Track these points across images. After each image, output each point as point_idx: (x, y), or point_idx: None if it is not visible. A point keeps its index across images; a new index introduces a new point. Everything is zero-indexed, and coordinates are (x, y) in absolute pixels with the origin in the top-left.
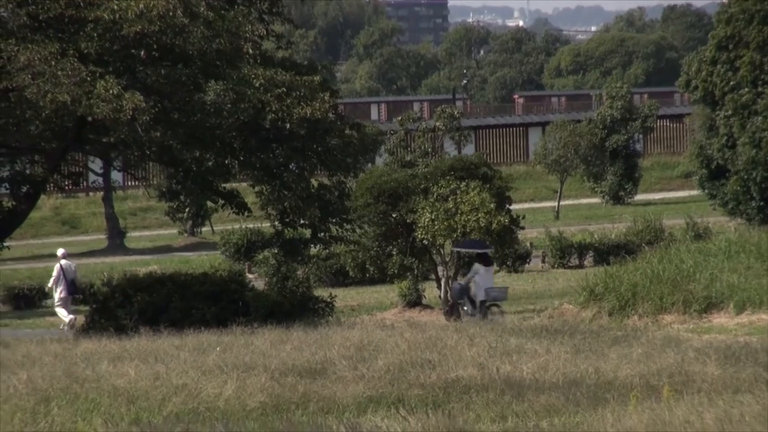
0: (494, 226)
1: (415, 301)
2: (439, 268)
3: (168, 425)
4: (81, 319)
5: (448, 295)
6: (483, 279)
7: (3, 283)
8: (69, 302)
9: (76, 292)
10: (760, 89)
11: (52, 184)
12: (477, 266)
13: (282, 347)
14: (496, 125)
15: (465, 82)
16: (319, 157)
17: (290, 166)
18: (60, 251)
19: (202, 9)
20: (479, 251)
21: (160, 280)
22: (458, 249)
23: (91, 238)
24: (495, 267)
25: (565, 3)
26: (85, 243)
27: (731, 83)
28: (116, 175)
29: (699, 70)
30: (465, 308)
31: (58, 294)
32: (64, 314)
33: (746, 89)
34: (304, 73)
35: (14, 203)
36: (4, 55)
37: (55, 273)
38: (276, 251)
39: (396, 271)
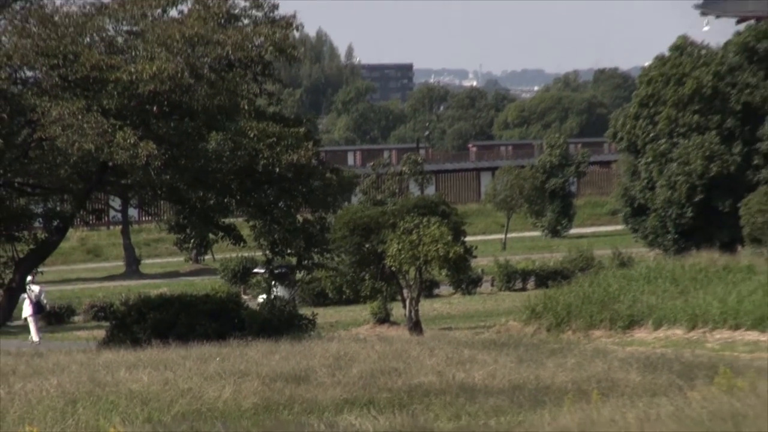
0: (451, 255)
1: (384, 319)
2: (405, 291)
3: (175, 423)
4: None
5: (412, 312)
6: (281, 294)
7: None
8: (36, 321)
9: (41, 311)
10: (675, 140)
11: (78, 219)
12: (275, 284)
13: (272, 357)
14: (453, 170)
15: (427, 133)
16: (303, 196)
17: (279, 204)
18: (28, 277)
19: (205, 71)
20: (278, 271)
21: (170, 300)
22: (256, 271)
23: (111, 264)
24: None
25: (512, 66)
26: (106, 269)
27: (651, 135)
28: (133, 212)
29: (624, 123)
30: None
31: (25, 312)
32: (33, 330)
33: (663, 140)
34: (291, 125)
35: (47, 235)
36: (39, 110)
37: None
38: (267, 276)
39: (368, 293)
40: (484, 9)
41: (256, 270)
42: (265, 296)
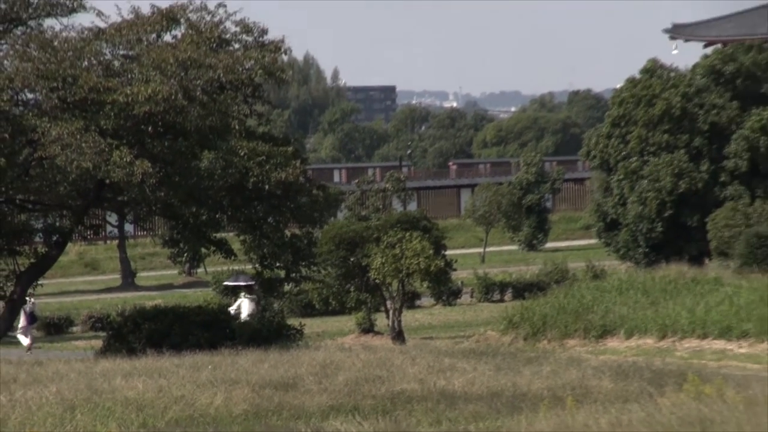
0: (432, 268)
1: (368, 329)
2: (388, 302)
3: (169, 429)
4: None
5: (395, 322)
6: (246, 307)
7: (37, 314)
8: (29, 330)
9: (34, 321)
10: (645, 158)
11: (77, 234)
12: (242, 296)
13: (261, 366)
14: (434, 187)
15: (409, 152)
16: (291, 212)
17: (268, 220)
18: None
19: (198, 93)
20: (243, 284)
21: (164, 311)
22: (228, 283)
23: (108, 277)
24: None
25: (491, 88)
26: (104, 282)
27: (623, 153)
28: (128, 227)
29: (597, 142)
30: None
31: (20, 324)
32: (24, 340)
33: (635, 158)
34: (280, 144)
35: (46, 249)
36: (40, 130)
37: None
38: (256, 288)
39: (353, 304)
40: (463, 33)
41: (226, 283)
42: (234, 307)
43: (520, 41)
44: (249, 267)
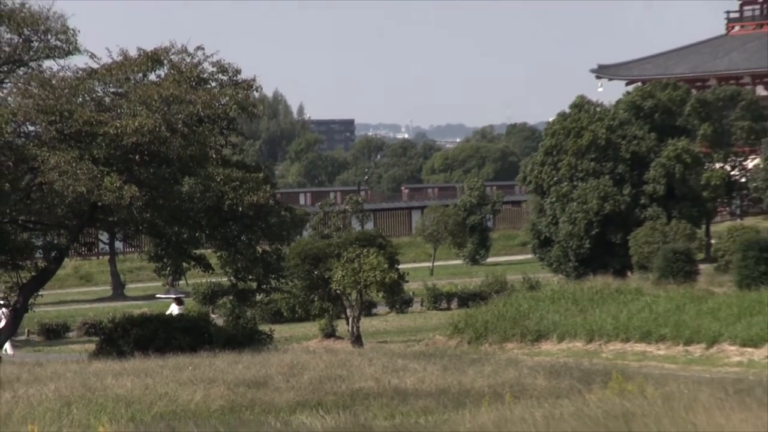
0: (387, 280)
1: (330, 334)
2: (348, 310)
3: (154, 422)
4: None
5: (354, 328)
6: (176, 312)
7: (38, 320)
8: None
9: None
10: (575, 183)
11: (72, 250)
12: (173, 306)
13: (236, 366)
14: (388, 208)
15: (366, 177)
16: (262, 231)
17: (242, 238)
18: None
19: (179, 126)
20: (176, 297)
21: (150, 318)
22: (160, 296)
23: (100, 288)
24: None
25: (438, 121)
26: (96, 292)
27: (555, 179)
28: (118, 244)
29: (532, 169)
30: None
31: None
32: (7, 346)
33: (565, 183)
34: (252, 171)
35: (46, 264)
36: (39, 159)
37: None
38: (231, 298)
39: (317, 312)
40: (414, 72)
41: (158, 296)
42: (167, 312)
43: (463, 79)
44: (225, 279)
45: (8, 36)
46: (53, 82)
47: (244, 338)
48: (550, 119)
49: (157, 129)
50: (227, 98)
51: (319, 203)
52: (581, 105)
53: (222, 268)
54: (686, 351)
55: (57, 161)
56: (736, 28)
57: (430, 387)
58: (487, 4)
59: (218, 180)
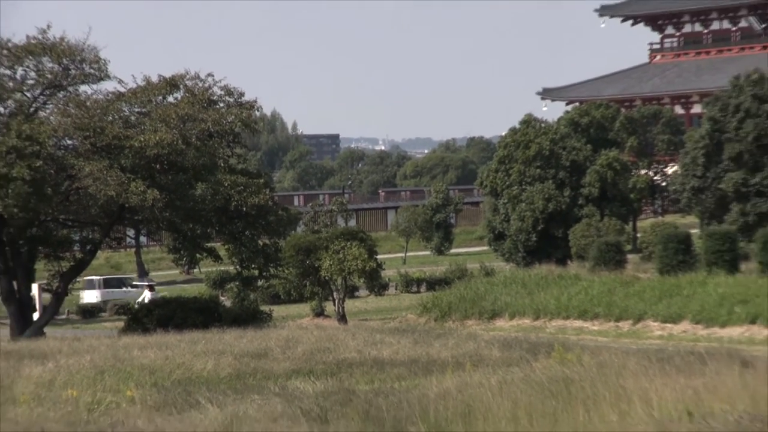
0: (367, 268)
1: (320, 313)
2: (334, 293)
3: (173, 387)
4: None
5: (339, 308)
6: (148, 297)
7: (76, 303)
8: None
9: None
10: (523, 187)
11: (104, 244)
12: (146, 292)
13: (241, 340)
14: (368, 208)
15: (349, 182)
16: (263, 227)
17: (246, 233)
18: None
19: (193, 140)
20: (149, 284)
21: (169, 301)
22: (137, 283)
23: (127, 276)
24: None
25: (409, 134)
26: (146, 279)
27: (507, 183)
28: (143, 238)
29: (488, 175)
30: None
31: None
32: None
33: (515, 187)
34: (253, 177)
35: (82, 255)
36: (76, 168)
37: None
38: (237, 283)
39: (309, 295)
40: (389, 93)
41: (135, 282)
42: (140, 298)
43: (431, 98)
44: (232, 268)
45: (50, 65)
46: (88, 103)
47: (248, 317)
48: (503, 133)
49: (175, 143)
50: (233, 117)
51: (310, 204)
52: (529, 121)
53: (229, 258)
54: (616, 326)
55: (91, 169)
56: (658, 57)
57: (403, 357)
58: (447, 40)
59: (226, 185)
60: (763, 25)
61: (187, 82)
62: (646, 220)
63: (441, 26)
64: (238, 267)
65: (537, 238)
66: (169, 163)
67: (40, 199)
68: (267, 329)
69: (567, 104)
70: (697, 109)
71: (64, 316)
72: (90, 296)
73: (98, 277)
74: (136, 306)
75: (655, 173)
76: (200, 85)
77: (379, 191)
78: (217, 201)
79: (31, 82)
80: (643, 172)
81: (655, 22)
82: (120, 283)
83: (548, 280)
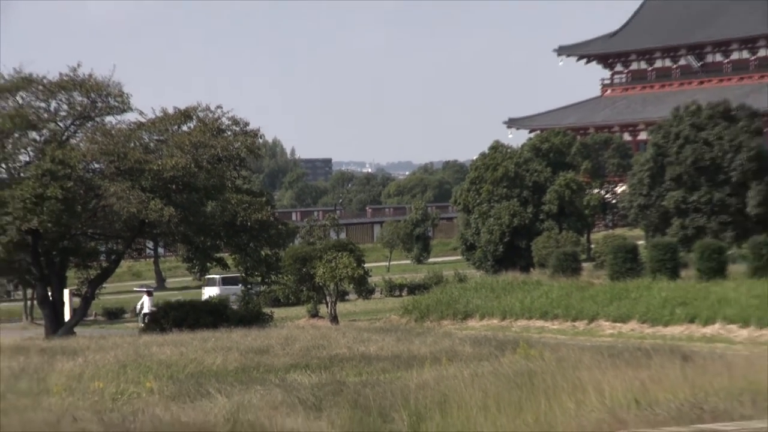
0: (356, 275)
1: (314, 314)
2: (327, 297)
3: (187, 379)
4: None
5: (332, 310)
6: (147, 304)
7: (102, 305)
8: None
9: None
10: (492, 204)
11: (127, 254)
12: (144, 297)
13: (245, 339)
14: (357, 223)
15: (340, 201)
16: (265, 239)
17: (250, 245)
18: None
19: (204, 164)
20: (146, 290)
21: (183, 304)
22: (136, 289)
23: (147, 282)
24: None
25: (392, 158)
26: (145, 285)
27: (478, 201)
28: (160, 250)
29: (461, 194)
30: (142, 317)
31: None
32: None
33: (485, 204)
34: (257, 196)
35: (107, 264)
36: (102, 188)
37: None
38: (242, 288)
39: (305, 299)
40: (376, 123)
41: (135, 288)
42: (139, 304)
43: (411, 127)
44: (238, 275)
45: (80, 99)
46: (112, 132)
47: (252, 318)
48: (474, 157)
49: (188, 166)
50: (239, 143)
51: (306, 219)
52: (497, 147)
53: (236, 266)
54: (573, 326)
55: (115, 190)
56: (609, 91)
57: (387, 353)
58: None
59: (233, 203)
60: (700, 64)
61: (199, 113)
62: (598, 232)
63: (420, 64)
64: (243, 274)
65: (504, 248)
66: (183, 184)
67: (71, 216)
68: (268, 329)
69: (530, 132)
70: (642, 136)
71: (91, 318)
72: (211, 291)
73: (218, 276)
74: (137, 310)
75: (607, 192)
76: (210, 115)
77: (366, 208)
78: (225, 217)
79: (63, 113)
80: (596, 191)
81: (606, 60)
82: (235, 281)
83: (513, 286)
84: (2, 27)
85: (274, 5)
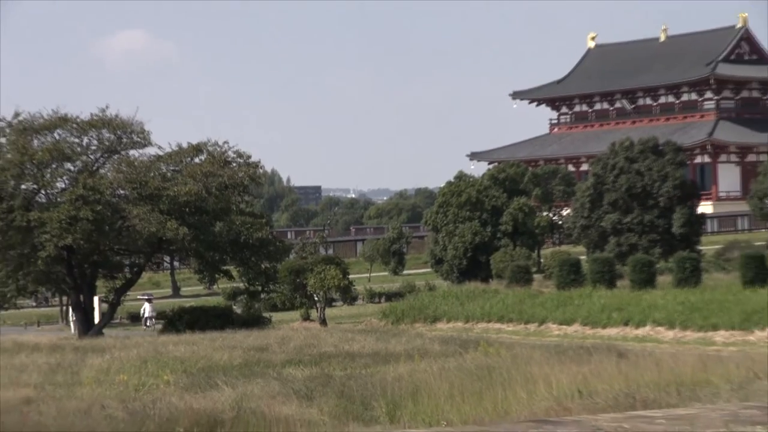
0: (341, 284)
1: (306, 318)
2: (317, 303)
3: (198, 373)
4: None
5: (321, 314)
6: (148, 309)
7: (126, 310)
8: None
9: None
10: (457, 225)
11: (147, 267)
12: (146, 303)
13: (248, 338)
14: (343, 241)
15: (328, 222)
16: (264, 254)
17: (252, 259)
18: None
19: (213, 190)
20: (147, 297)
21: (195, 309)
22: (140, 296)
23: (164, 290)
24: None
25: (373, 186)
26: (162, 293)
27: (445, 222)
28: (176, 263)
29: (431, 216)
30: (147, 323)
31: None
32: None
33: (451, 225)
34: (258, 218)
35: (130, 275)
36: (127, 211)
37: None
38: (245, 296)
39: (298, 304)
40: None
41: (139, 296)
42: (142, 309)
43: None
44: (241, 284)
45: (108, 135)
46: (135, 163)
47: (253, 321)
48: (442, 185)
49: (200, 192)
50: (243, 173)
51: (299, 238)
52: (461, 176)
53: (240, 277)
54: (525, 328)
55: (138, 212)
56: (556, 129)
57: (368, 350)
58: (401, 114)
59: (237, 223)
60: (632, 106)
61: (209, 147)
62: (547, 249)
63: (397, 105)
64: (246, 284)
65: (467, 262)
66: (195, 208)
67: (100, 234)
68: (267, 330)
69: (489, 164)
70: (584, 167)
71: (117, 321)
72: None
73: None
74: (141, 316)
75: (554, 215)
76: (218, 149)
77: (351, 228)
78: (231, 235)
79: (93, 147)
80: (545, 213)
81: (553, 103)
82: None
83: (475, 294)
84: (31, 69)
85: (281, 56)
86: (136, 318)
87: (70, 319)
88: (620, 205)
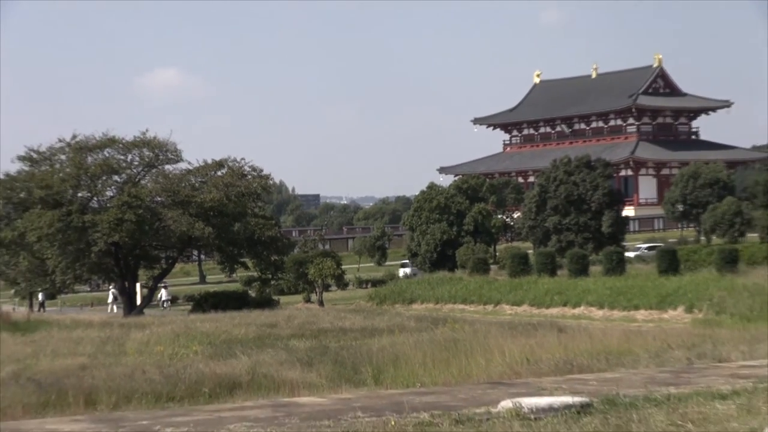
0: (336, 273)
1: (308, 300)
2: (317, 288)
3: (221, 344)
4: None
5: (320, 297)
6: (164, 294)
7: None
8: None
9: None
10: (429, 225)
11: (179, 259)
12: (162, 289)
13: (260, 317)
14: (337, 238)
15: (325, 223)
16: (274, 249)
17: (264, 253)
18: None
19: (233, 197)
20: (164, 285)
21: (218, 293)
22: (160, 285)
23: (193, 278)
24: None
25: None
26: (191, 280)
27: (419, 223)
28: (202, 256)
29: (408, 218)
30: (165, 305)
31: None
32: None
33: (424, 225)
34: (268, 219)
35: (166, 266)
36: (163, 214)
37: None
38: (258, 283)
39: (301, 289)
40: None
41: (159, 285)
42: (158, 295)
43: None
44: (255, 273)
45: (147, 153)
46: (170, 176)
47: (265, 303)
48: (417, 193)
49: (221, 200)
50: (256, 184)
51: (302, 236)
52: (432, 186)
53: (254, 267)
54: (484, 308)
55: (171, 215)
56: (508, 148)
57: (358, 326)
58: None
59: (252, 224)
60: (570, 130)
61: (229, 163)
62: (501, 245)
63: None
64: (259, 273)
65: (437, 256)
66: (218, 212)
67: (141, 233)
68: (276, 310)
69: (455, 176)
70: (531, 179)
71: (155, 303)
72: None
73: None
74: (159, 299)
75: (507, 217)
76: (237, 164)
77: (343, 228)
78: (247, 233)
79: (135, 163)
80: (499, 216)
81: (506, 128)
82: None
83: (443, 280)
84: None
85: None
86: (171, 301)
87: (108, 301)
88: (560, 209)
